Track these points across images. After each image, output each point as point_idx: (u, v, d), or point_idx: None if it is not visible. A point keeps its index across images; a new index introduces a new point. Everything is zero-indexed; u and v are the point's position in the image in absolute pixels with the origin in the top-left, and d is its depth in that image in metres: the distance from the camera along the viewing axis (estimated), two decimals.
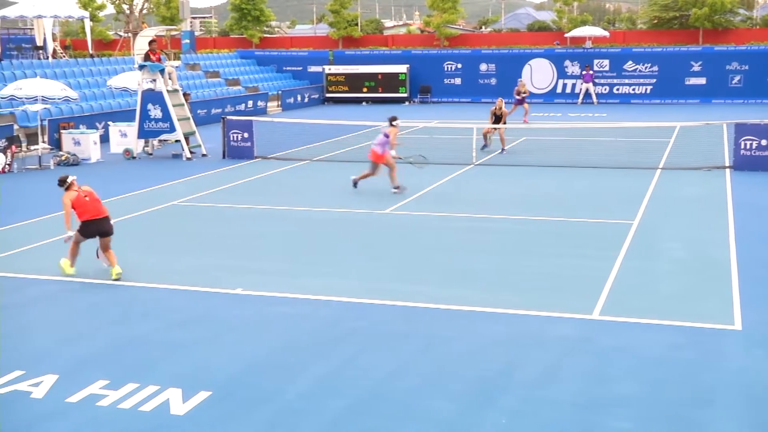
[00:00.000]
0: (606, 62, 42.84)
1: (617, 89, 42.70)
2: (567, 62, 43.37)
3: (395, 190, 18.24)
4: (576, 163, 22.16)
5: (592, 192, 18.50)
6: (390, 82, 44.46)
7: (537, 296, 11.07)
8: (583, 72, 42.25)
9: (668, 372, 8.54)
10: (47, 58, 37.03)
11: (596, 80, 42.49)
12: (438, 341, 9.52)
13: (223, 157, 24.31)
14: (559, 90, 43.52)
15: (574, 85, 43.13)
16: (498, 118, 24.97)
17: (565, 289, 11.40)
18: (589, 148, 25.37)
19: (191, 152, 24.64)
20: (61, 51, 41.71)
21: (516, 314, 10.38)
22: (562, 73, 43.43)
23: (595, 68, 42.67)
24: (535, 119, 34.56)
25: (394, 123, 18.76)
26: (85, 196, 12.22)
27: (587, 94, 42.13)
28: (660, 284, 11.60)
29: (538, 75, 43.74)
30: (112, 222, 12.52)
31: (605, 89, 42.79)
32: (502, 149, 24.70)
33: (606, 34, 49.29)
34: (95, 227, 12.18)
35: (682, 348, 9.19)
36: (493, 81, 44.36)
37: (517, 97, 32.37)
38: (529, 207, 16.76)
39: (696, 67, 41.57)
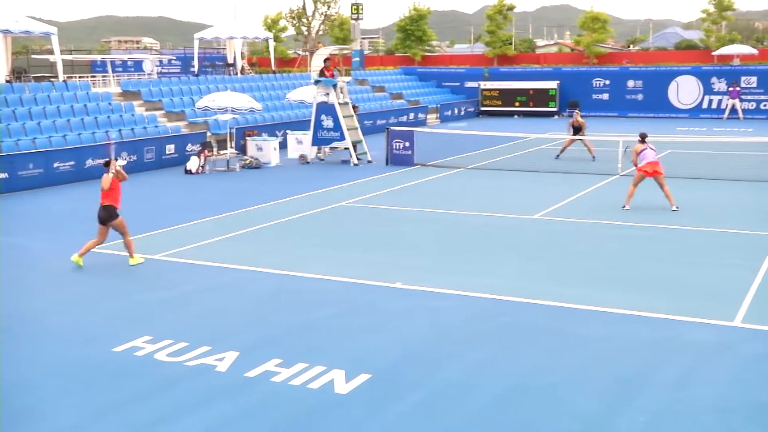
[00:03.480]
0: (753, 79, 40.51)
1: (764, 105, 40.31)
2: (714, 79, 41.32)
3: (676, 209, 16.48)
4: (720, 176, 21.09)
5: (735, 204, 17.53)
6: (540, 97, 43.78)
7: (679, 301, 10.58)
8: (730, 88, 40.15)
9: None
10: (236, 74, 38.59)
11: (743, 96, 40.27)
12: (581, 340, 9.27)
13: (387, 163, 24.60)
14: (705, 106, 41.53)
15: (720, 101, 41.05)
16: (577, 130, 25.23)
17: (708, 295, 10.85)
18: (734, 162, 24.10)
19: (358, 158, 25.07)
20: (248, 68, 43.40)
21: (659, 318, 9.96)
22: (708, 90, 41.42)
23: (743, 85, 40.45)
24: (680, 133, 33.16)
25: (646, 140, 16.82)
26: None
27: (733, 110, 40.00)
28: None
29: (684, 91, 41.92)
30: (117, 213, 12.72)
31: (752, 105, 40.50)
32: (593, 157, 24.87)
33: (755, 51, 46.69)
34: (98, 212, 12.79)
35: None
36: (640, 96, 42.86)
37: None
38: (672, 216, 16.07)
39: None
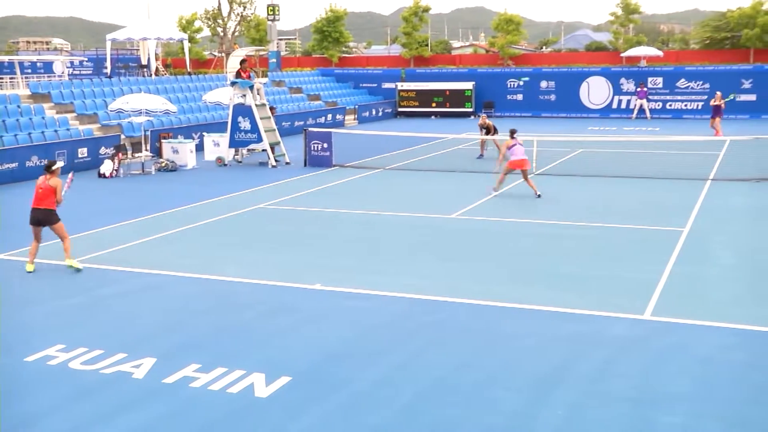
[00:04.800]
0: (659, 80, 41.89)
1: (670, 105, 41.73)
2: (623, 80, 42.56)
3: (496, 192, 18.74)
4: (629, 174, 21.71)
5: (644, 201, 18.06)
6: (457, 97, 44.29)
7: (593, 297, 10.84)
8: (638, 89, 41.41)
9: (720, 371, 8.25)
10: (150, 75, 37.84)
11: (650, 97, 41.59)
12: (502, 337, 9.39)
13: (305, 165, 24.48)
14: (614, 106, 42.73)
15: (629, 101, 42.30)
16: (488, 130, 25.71)
17: (620, 290, 11.14)
18: (643, 160, 24.85)
19: (276, 160, 24.88)
20: (163, 69, 42.59)
21: (575, 313, 10.18)
22: (617, 90, 42.64)
23: (649, 85, 41.78)
24: (591, 133, 34.02)
25: (515, 136, 18.82)
26: (39, 187, 12.47)
27: (641, 110, 41.28)
28: (711, 288, 11.25)
29: (594, 92, 43.04)
30: (57, 216, 12.53)
31: (659, 105, 41.86)
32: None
33: (660, 53, 48.26)
34: (32, 215, 12.50)
35: (733, 349, 8.88)
36: (553, 97, 43.82)
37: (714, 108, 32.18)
38: (585, 214, 16.46)
39: (746, 84, 40.34)
